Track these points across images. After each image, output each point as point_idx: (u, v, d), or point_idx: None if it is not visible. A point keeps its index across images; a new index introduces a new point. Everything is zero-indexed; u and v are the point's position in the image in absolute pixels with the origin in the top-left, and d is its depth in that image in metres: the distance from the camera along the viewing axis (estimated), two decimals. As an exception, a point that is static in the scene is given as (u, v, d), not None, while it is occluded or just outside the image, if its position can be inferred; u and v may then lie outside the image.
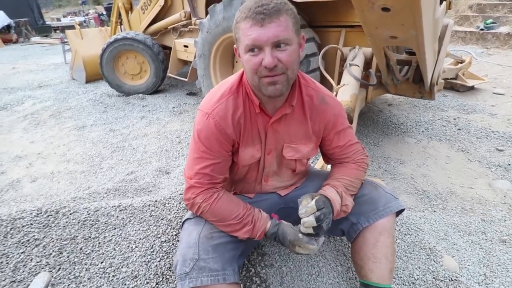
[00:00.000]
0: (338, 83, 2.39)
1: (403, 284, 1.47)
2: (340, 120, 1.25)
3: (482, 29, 7.11)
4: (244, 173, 1.30)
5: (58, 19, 18.38)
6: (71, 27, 8.37)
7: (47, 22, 16.96)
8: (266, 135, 1.21)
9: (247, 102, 1.16)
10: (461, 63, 4.35)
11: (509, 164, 2.57)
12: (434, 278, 1.49)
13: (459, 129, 3.23)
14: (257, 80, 1.03)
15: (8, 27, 13.35)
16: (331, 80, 2.42)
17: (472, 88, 4.30)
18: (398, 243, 1.65)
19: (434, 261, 1.58)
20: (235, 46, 1.09)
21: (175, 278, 1.31)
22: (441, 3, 2.22)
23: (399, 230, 1.73)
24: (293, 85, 1.15)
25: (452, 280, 1.48)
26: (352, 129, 1.32)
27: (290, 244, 1.14)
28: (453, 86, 4.31)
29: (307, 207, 1.10)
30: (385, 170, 2.61)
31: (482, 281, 1.54)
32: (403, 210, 1.31)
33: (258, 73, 1.01)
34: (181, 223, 1.32)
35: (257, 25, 0.95)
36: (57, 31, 15.02)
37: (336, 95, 2.23)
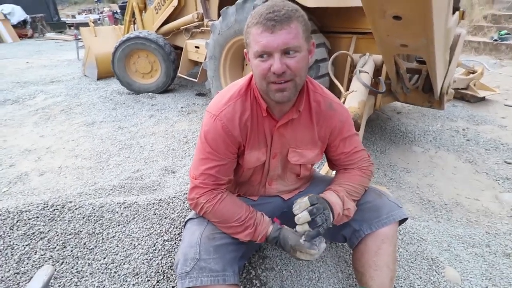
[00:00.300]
0: (347, 89, 2.40)
1: (404, 294, 1.46)
2: (346, 127, 1.26)
3: (496, 40, 7.03)
4: (249, 175, 1.31)
5: (73, 16, 18.69)
6: (86, 24, 8.52)
7: (62, 19, 17.28)
8: (272, 139, 1.22)
9: (254, 105, 1.17)
10: (472, 73, 4.30)
11: (518, 178, 2.54)
12: (435, 289, 1.48)
13: (468, 140, 3.19)
14: (265, 85, 1.04)
15: (24, 22, 13.63)
16: (340, 86, 2.42)
17: (483, 99, 4.25)
18: (401, 252, 1.64)
19: (436, 272, 1.56)
20: (245, 50, 1.10)
21: (175, 277, 1.32)
22: (454, 12, 2.21)
23: (402, 239, 1.72)
24: (301, 90, 1.16)
25: (454, 292, 1.47)
26: (358, 136, 1.32)
27: (291, 249, 1.14)
28: (463, 96, 4.27)
29: (300, 203, 1.11)
30: (391, 178, 2.59)
31: (484, 295, 1.52)
32: (406, 219, 1.30)
33: (266, 79, 1.02)
34: (184, 223, 1.34)
35: (268, 32, 0.96)
36: (72, 27, 15.25)
37: (344, 101, 2.23)
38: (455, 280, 1.55)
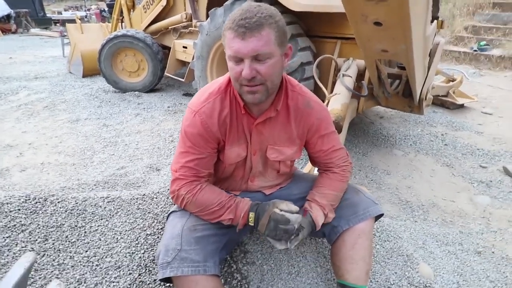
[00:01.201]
0: (331, 92, 2.46)
1: (379, 287, 1.51)
2: (324, 125, 1.30)
3: (475, 50, 7.29)
4: (231, 171, 1.35)
5: (59, 12, 18.34)
6: (72, 21, 8.37)
7: (47, 15, 16.91)
8: (251, 135, 1.26)
9: (234, 103, 1.21)
10: (452, 81, 4.46)
11: (491, 181, 2.65)
12: (409, 283, 1.54)
13: (446, 144, 3.31)
14: (238, 87, 1.09)
15: (7, 17, 13.28)
16: (324, 88, 2.48)
17: (461, 106, 4.41)
18: (377, 248, 1.70)
19: (411, 268, 1.63)
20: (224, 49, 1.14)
21: (157, 269, 1.34)
22: (432, 21, 2.31)
23: (379, 236, 1.78)
24: (279, 90, 1.20)
25: (426, 286, 1.53)
26: (337, 135, 1.37)
27: (272, 204, 1.21)
28: (443, 103, 4.42)
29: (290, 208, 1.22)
30: (371, 180, 2.67)
31: (454, 289, 1.59)
32: (382, 215, 1.36)
33: (239, 81, 1.06)
34: (166, 216, 1.36)
35: (239, 38, 0.99)
36: (57, 24, 14.97)
37: (327, 104, 2.29)
38: (428, 276, 1.62)
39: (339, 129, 2.09)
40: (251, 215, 1.21)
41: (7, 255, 1.36)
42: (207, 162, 1.23)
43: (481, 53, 7.14)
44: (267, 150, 1.29)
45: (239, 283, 1.44)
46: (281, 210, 1.19)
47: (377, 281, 1.55)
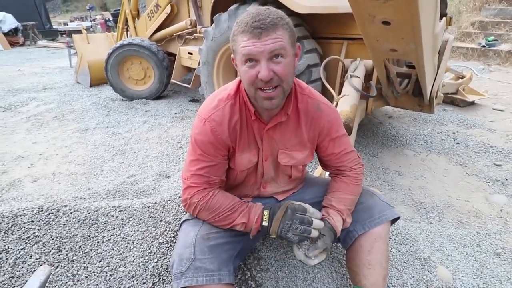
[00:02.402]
0: (339, 93, 2.44)
1: (397, 292, 1.48)
2: (334, 127, 1.28)
3: (483, 46, 7.20)
4: (243, 178, 1.33)
5: (65, 24, 18.66)
6: (78, 31, 8.50)
7: (54, 26, 17.22)
8: (262, 141, 1.24)
9: (243, 109, 1.19)
10: (461, 78, 4.40)
11: (506, 179, 2.59)
12: (427, 287, 1.50)
13: (458, 143, 3.25)
14: (253, 92, 1.07)
15: (15, 30, 13.55)
16: (332, 90, 2.46)
17: (472, 103, 4.34)
18: (393, 252, 1.67)
19: (428, 271, 1.59)
20: (232, 56, 1.12)
21: (171, 278, 1.33)
22: (441, 18, 2.27)
23: (395, 239, 1.75)
24: (289, 93, 1.18)
25: (446, 290, 1.50)
26: (348, 137, 1.35)
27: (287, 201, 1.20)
28: (453, 101, 4.36)
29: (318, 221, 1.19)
30: (383, 181, 2.63)
31: (475, 293, 1.55)
32: (398, 218, 1.33)
33: (254, 85, 1.04)
34: (179, 224, 1.35)
35: (254, 39, 0.98)
36: (64, 35, 15.22)
37: (336, 106, 2.27)
38: (447, 279, 1.58)
39: (349, 131, 2.06)
40: (266, 212, 1.19)
41: (22, 267, 1.36)
42: (218, 169, 1.22)
43: (489, 49, 7.04)
44: (278, 155, 1.28)
45: (253, 290, 1.41)
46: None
47: (394, 286, 1.51)
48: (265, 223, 1.18)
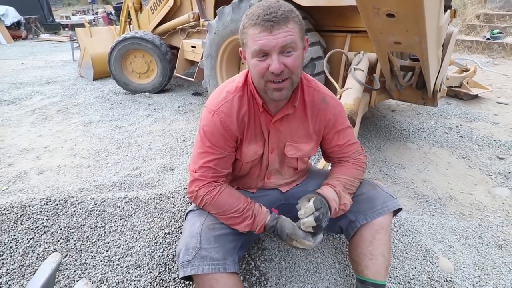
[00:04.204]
0: (342, 86, 2.44)
1: (399, 283, 1.50)
2: (340, 120, 1.29)
3: (488, 39, 7.14)
4: (247, 169, 1.35)
5: (68, 17, 18.61)
6: (80, 25, 8.49)
7: (56, 20, 17.18)
8: (268, 133, 1.25)
9: (251, 101, 1.21)
10: (466, 71, 4.38)
11: (509, 172, 2.60)
12: (429, 278, 1.53)
13: (461, 136, 3.25)
14: (263, 84, 1.08)
15: (18, 24, 13.54)
16: (335, 83, 2.46)
17: (476, 96, 4.32)
18: (396, 243, 1.69)
19: (430, 262, 1.61)
20: (240, 49, 1.13)
21: (177, 266, 1.36)
22: (445, 11, 2.26)
23: (397, 231, 1.77)
24: (296, 86, 1.19)
25: (447, 281, 1.51)
26: (352, 129, 1.36)
27: (288, 238, 1.17)
28: (457, 94, 4.34)
29: (306, 208, 1.15)
30: (386, 174, 2.64)
31: (476, 283, 1.56)
32: (400, 209, 1.35)
33: (264, 78, 1.05)
34: (184, 215, 1.37)
35: (266, 32, 0.98)
36: (66, 28, 15.19)
37: (340, 98, 2.27)
38: (448, 270, 1.60)
39: (352, 124, 2.07)
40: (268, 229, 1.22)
41: (31, 256, 1.39)
42: (226, 161, 1.23)
43: (494, 42, 6.98)
44: (285, 147, 1.29)
45: (257, 280, 1.44)
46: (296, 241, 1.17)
47: (397, 276, 1.54)
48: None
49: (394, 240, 1.70)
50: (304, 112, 1.25)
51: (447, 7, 2.42)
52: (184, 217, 1.40)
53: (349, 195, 1.29)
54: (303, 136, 1.29)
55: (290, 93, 1.12)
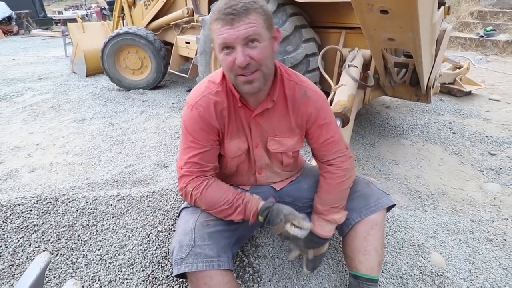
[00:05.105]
0: (337, 83, 2.44)
1: (391, 277, 1.51)
2: (322, 114, 1.25)
3: (482, 36, 7.18)
4: (234, 166, 1.33)
5: (60, 12, 18.38)
6: (73, 20, 8.37)
7: (48, 15, 16.95)
8: (250, 128, 1.24)
9: (230, 96, 1.19)
10: (459, 68, 4.40)
11: (501, 168, 2.63)
12: (421, 273, 1.54)
13: (454, 132, 3.28)
14: (233, 78, 1.07)
15: (9, 19, 13.34)
16: (329, 80, 2.46)
17: (469, 93, 4.35)
18: (388, 239, 1.70)
19: (422, 257, 1.62)
20: (212, 45, 1.11)
21: (171, 264, 1.36)
22: (439, 7, 2.26)
23: (390, 227, 1.78)
24: (275, 79, 1.18)
25: (438, 275, 1.53)
26: (336, 125, 1.31)
27: (284, 219, 1.14)
28: (450, 91, 4.37)
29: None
30: (380, 170, 2.65)
31: (467, 277, 1.58)
32: (393, 205, 1.35)
33: (233, 71, 1.04)
34: (178, 212, 1.36)
35: (228, 25, 0.98)
36: (58, 24, 15.00)
37: (334, 95, 2.27)
38: (440, 265, 1.61)
39: (346, 121, 2.07)
40: (261, 218, 1.19)
41: (21, 256, 1.38)
42: (211, 154, 1.22)
43: (487, 39, 7.03)
44: (267, 142, 1.28)
45: (251, 276, 1.44)
46: (291, 224, 1.14)
47: (389, 271, 1.55)
48: (261, 219, 1.19)
49: (387, 236, 1.71)
50: (285, 106, 1.23)
51: (441, 4, 2.42)
52: (177, 214, 1.39)
53: (340, 211, 1.31)
54: (286, 130, 1.27)
55: (262, 86, 1.10)
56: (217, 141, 1.23)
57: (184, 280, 1.38)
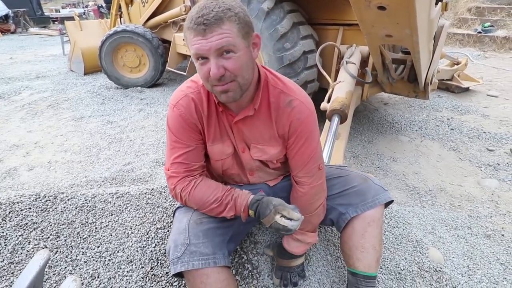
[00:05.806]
0: (335, 80, 2.44)
1: (390, 274, 1.52)
2: (303, 127, 1.17)
3: (479, 32, 7.18)
4: (220, 168, 1.30)
5: (57, 10, 18.23)
6: (70, 18, 8.35)
7: (45, 13, 16.85)
8: (233, 133, 1.21)
9: (212, 99, 1.16)
10: (457, 64, 4.41)
11: (498, 164, 2.64)
12: (419, 268, 1.55)
13: (452, 129, 3.29)
14: (210, 87, 1.04)
15: (6, 17, 13.25)
16: (327, 76, 2.46)
17: (467, 89, 4.36)
18: (386, 235, 1.70)
19: (420, 253, 1.63)
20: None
21: (168, 264, 1.36)
22: (437, 3, 2.26)
23: (388, 223, 1.78)
24: (258, 87, 1.14)
25: (437, 270, 1.54)
26: (318, 142, 1.24)
27: (274, 210, 1.11)
28: (448, 87, 4.37)
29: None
30: (378, 167, 2.66)
31: (465, 273, 1.59)
32: (391, 201, 1.35)
33: (209, 82, 1.00)
34: (173, 212, 1.36)
35: (199, 36, 0.93)
36: (56, 22, 14.93)
37: (332, 92, 2.27)
38: (438, 260, 1.62)
39: (344, 117, 2.08)
40: (251, 212, 1.17)
41: (21, 253, 1.38)
42: (196, 153, 1.20)
43: (485, 35, 7.03)
44: (250, 149, 1.25)
45: (250, 273, 1.45)
46: (281, 216, 1.11)
47: (387, 267, 1.55)
48: (251, 213, 1.17)
49: (385, 232, 1.72)
50: (269, 114, 1.18)
51: (438, 0, 2.42)
52: (172, 214, 1.39)
53: (308, 231, 1.34)
54: (269, 139, 1.22)
55: (239, 96, 1.05)
56: (201, 140, 1.21)
57: (182, 278, 1.39)
